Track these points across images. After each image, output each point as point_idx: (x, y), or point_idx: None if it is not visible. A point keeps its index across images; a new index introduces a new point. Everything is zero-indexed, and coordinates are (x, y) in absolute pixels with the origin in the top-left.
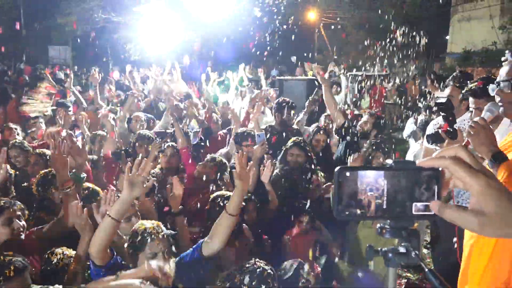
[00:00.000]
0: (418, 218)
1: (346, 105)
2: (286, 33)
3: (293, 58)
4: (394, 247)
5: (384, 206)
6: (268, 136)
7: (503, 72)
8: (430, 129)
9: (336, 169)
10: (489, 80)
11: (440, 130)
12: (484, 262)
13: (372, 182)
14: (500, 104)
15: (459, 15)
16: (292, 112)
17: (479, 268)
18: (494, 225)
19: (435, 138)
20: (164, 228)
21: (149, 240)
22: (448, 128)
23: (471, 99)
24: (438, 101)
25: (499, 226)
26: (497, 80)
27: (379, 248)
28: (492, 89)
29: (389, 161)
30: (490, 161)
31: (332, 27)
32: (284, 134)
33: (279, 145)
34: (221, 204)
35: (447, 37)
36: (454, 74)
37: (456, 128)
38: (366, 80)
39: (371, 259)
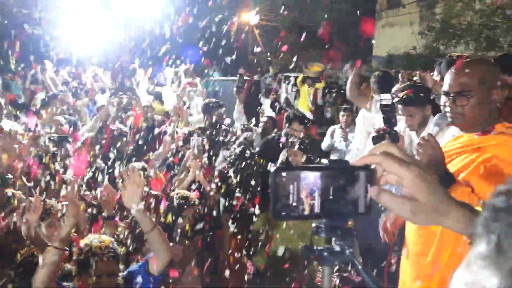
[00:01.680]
0: (352, 217)
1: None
2: (219, 33)
3: (228, 59)
4: (329, 246)
5: (319, 206)
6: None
7: (450, 82)
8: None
9: (272, 169)
10: (417, 88)
11: (384, 132)
12: (425, 250)
13: (308, 182)
14: (449, 115)
15: (383, 21)
16: (221, 112)
17: (419, 255)
18: (425, 213)
19: (379, 140)
20: (115, 246)
21: (92, 261)
22: (389, 130)
23: (401, 107)
24: (383, 103)
25: (430, 214)
26: (447, 90)
27: (314, 247)
28: (443, 100)
29: (324, 161)
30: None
31: (265, 28)
32: (213, 135)
33: (209, 147)
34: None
35: (373, 41)
36: (375, 73)
37: (397, 131)
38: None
39: (307, 258)
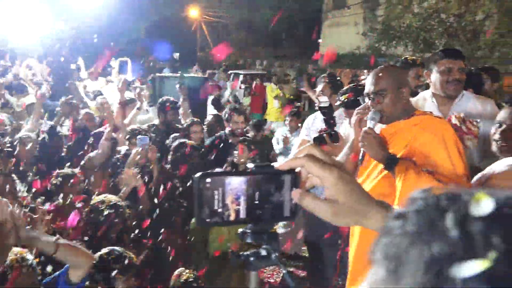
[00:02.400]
0: (277, 221)
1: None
2: (166, 29)
3: (176, 55)
4: (255, 250)
5: (245, 211)
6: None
7: (369, 85)
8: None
9: (196, 175)
10: (358, 91)
11: (324, 134)
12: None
13: (233, 187)
14: (379, 110)
15: (329, 21)
16: (176, 111)
17: (366, 246)
18: (344, 214)
19: (319, 141)
20: (29, 257)
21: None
22: (329, 131)
23: (343, 109)
24: (322, 105)
25: (349, 215)
26: (367, 92)
27: (240, 253)
28: (364, 101)
29: (250, 165)
30: (385, 166)
31: (214, 25)
32: (168, 134)
33: (164, 146)
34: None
35: (320, 40)
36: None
37: (337, 131)
38: (247, 79)
39: (235, 264)
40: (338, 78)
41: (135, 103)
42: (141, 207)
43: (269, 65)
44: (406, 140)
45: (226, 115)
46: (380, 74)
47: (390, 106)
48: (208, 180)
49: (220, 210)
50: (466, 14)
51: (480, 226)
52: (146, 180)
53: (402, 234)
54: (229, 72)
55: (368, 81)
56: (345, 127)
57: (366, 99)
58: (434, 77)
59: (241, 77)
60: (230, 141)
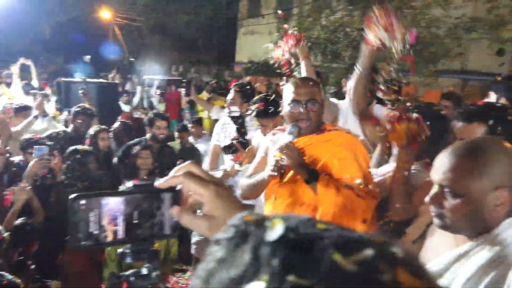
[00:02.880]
0: (158, 239)
1: (142, 109)
2: (76, 30)
3: (87, 58)
4: (136, 270)
5: (124, 231)
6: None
7: (302, 92)
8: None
9: (70, 197)
10: (268, 102)
11: (234, 142)
12: None
13: (110, 208)
14: (300, 121)
15: (244, 28)
16: (88, 119)
17: None
18: (220, 229)
19: (230, 149)
20: None
21: None
22: (240, 139)
23: (256, 119)
24: (232, 115)
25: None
26: (299, 99)
27: (120, 274)
28: (294, 109)
29: (129, 184)
30: (307, 180)
31: (128, 28)
32: (80, 142)
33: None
34: None
35: (236, 48)
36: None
37: (247, 139)
38: (162, 84)
39: (114, 286)
40: (248, 86)
41: (29, 111)
42: (35, 221)
43: (186, 71)
44: (321, 155)
45: (151, 115)
46: (311, 83)
47: (317, 115)
48: (83, 201)
49: (96, 232)
50: None
51: (267, 250)
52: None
53: (213, 259)
54: (144, 77)
55: (298, 88)
56: (257, 136)
57: (294, 107)
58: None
59: (156, 83)
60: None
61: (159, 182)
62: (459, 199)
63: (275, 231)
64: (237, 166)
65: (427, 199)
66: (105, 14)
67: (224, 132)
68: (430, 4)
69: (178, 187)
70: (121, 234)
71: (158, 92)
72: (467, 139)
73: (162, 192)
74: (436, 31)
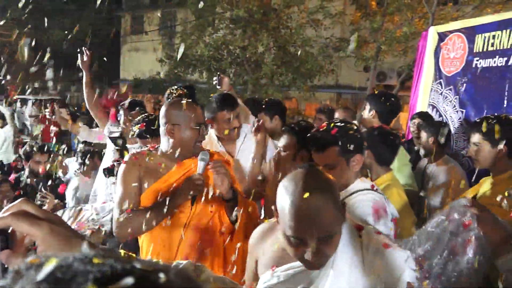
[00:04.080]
0: None
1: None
2: None
3: None
4: None
5: None
6: None
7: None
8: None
9: None
10: (150, 122)
11: (116, 164)
12: None
13: None
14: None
15: (128, 45)
16: None
17: None
18: None
19: (112, 172)
20: None
21: None
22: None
23: (138, 139)
24: (112, 135)
25: None
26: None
27: None
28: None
29: None
30: (230, 200)
31: None
32: None
33: None
34: None
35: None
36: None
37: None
38: (38, 105)
39: None
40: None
41: None
42: None
43: (65, 89)
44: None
45: (27, 148)
46: (196, 106)
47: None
48: None
49: None
50: (249, 46)
51: None
52: None
53: None
54: (15, 97)
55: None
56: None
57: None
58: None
59: (29, 103)
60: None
61: None
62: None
63: (44, 271)
64: None
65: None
66: None
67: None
68: (304, 24)
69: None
70: None
71: (33, 113)
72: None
73: None
74: (310, 49)
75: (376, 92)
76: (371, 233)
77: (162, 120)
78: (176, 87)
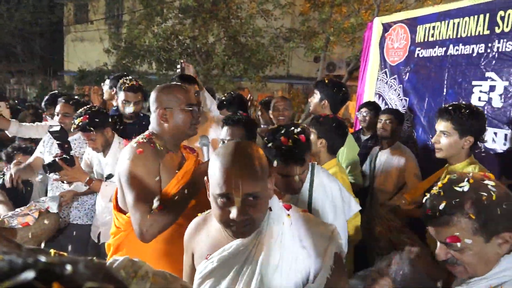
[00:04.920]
0: None
1: None
2: None
3: None
4: None
5: None
6: None
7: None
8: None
9: None
10: (93, 114)
11: (57, 159)
12: None
13: None
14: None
15: (72, 35)
16: None
17: None
18: None
19: (53, 168)
20: None
21: None
22: (65, 156)
23: (80, 133)
24: (52, 129)
25: None
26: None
27: None
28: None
29: None
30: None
31: None
32: None
33: None
34: None
35: (64, 56)
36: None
37: (73, 155)
38: None
39: None
40: (77, 97)
41: None
42: None
43: (4, 81)
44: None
45: (9, 150)
46: (187, 87)
47: None
48: None
49: None
50: (199, 37)
51: None
52: None
53: None
54: None
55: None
56: (89, 151)
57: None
58: None
59: None
60: None
61: None
62: None
63: None
64: (65, 186)
65: None
66: None
67: (49, 146)
68: (255, 15)
69: None
70: None
71: None
72: None
73: None
74: (261, 40)
75: (326, 81)
76: (298, 212)
77: (153, 107)
78: (130, 77)
